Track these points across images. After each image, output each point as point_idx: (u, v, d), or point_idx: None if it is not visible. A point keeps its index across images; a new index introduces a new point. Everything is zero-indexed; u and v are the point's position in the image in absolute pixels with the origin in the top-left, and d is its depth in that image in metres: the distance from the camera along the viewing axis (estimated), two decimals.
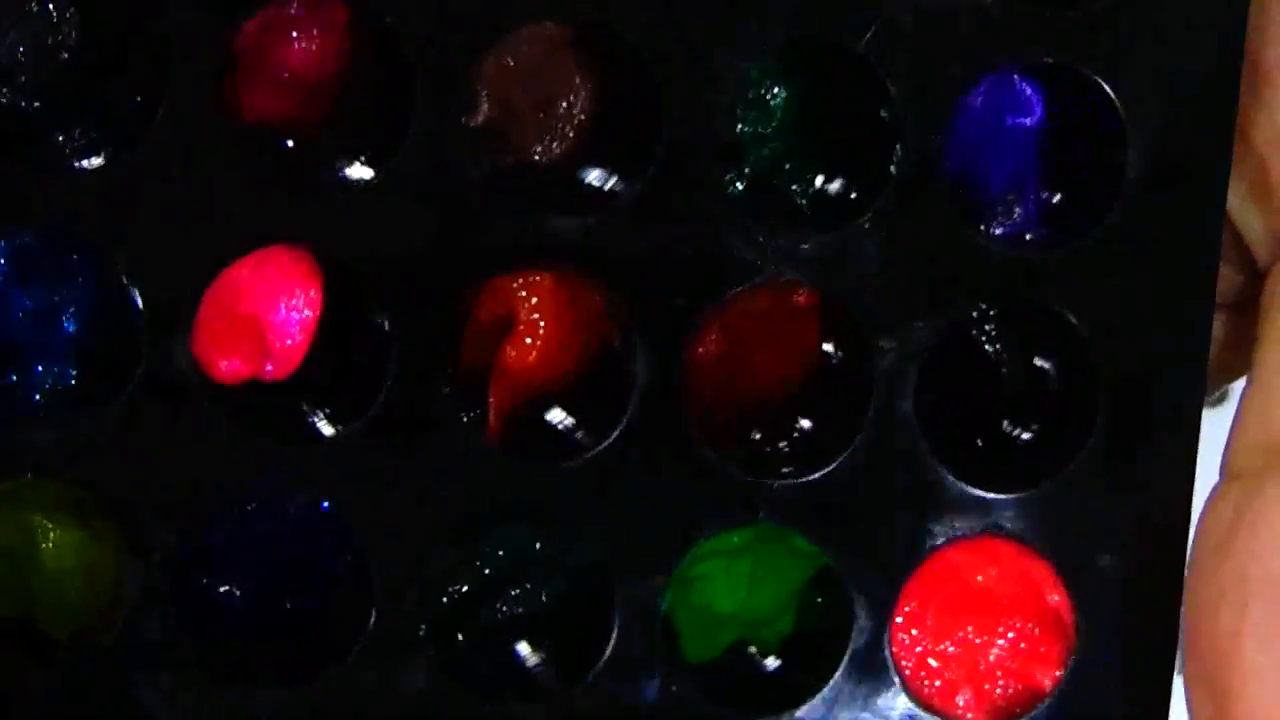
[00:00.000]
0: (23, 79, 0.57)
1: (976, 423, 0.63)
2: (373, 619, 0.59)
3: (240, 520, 0.59)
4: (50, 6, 0.57)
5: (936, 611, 0.62)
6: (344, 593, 0.60)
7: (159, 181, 0.58)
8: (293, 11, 0.59)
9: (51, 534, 0.58)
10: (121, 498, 0.58)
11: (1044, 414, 0.63)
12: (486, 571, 0.61)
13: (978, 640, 0.62)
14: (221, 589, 0.59)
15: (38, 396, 0.59)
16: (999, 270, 0.61)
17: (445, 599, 0.60)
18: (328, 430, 0.59)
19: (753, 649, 0.63)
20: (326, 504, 0.59)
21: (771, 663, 0.63)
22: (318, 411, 0.60)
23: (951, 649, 0.62)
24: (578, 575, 0.61)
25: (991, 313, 0.62)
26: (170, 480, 0.58)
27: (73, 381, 0.59)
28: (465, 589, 0.60)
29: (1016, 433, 0.63)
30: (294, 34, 0.59)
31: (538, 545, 0.61)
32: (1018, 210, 0.63)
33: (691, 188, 0.60)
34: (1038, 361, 0.63)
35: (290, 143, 0.60)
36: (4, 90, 0.57)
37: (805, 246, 0.60)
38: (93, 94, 0.58)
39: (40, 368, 0.59)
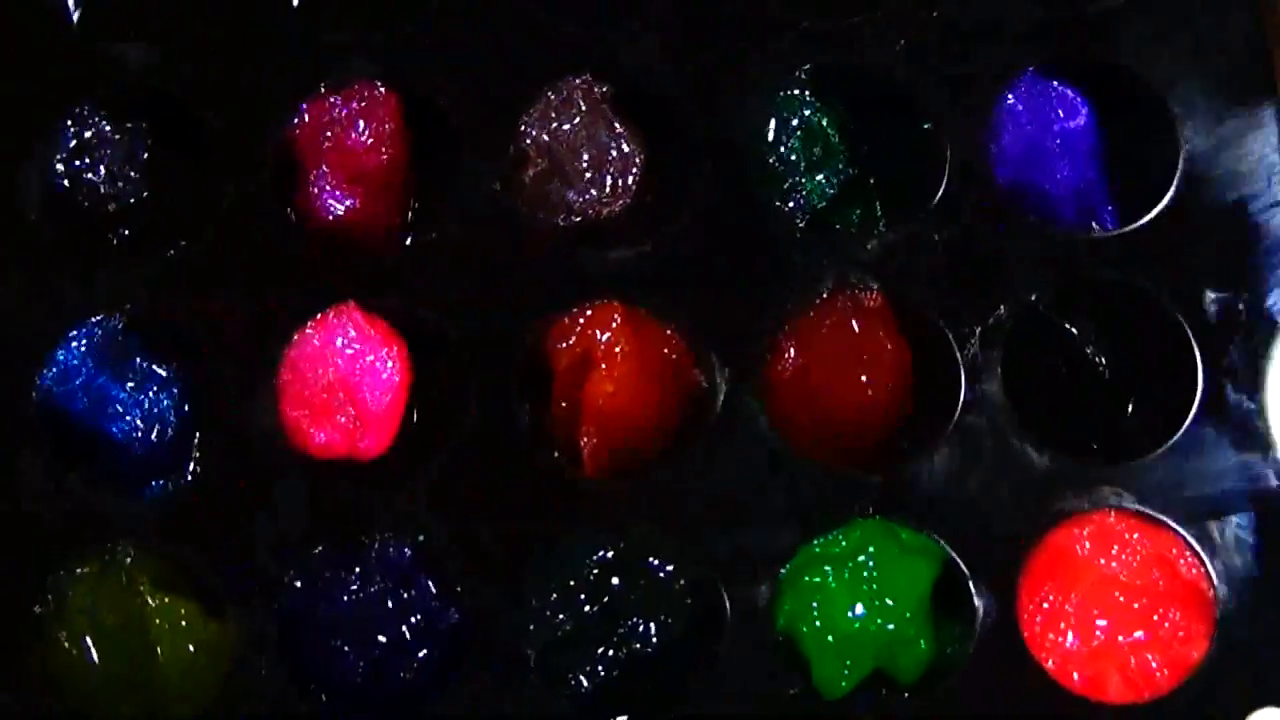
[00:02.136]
0: (102, 188, 0.61)
1: (1073, 399, 0.62)
2: (476, 657, 0.59)
3: (345, 578, 0.59)
4: (120, 132, 0.62)
5: (1077, 606, 0.59)
6: (448, 637, 0.59)
7: (231, 266, 0.61)
8: (348, 105, 0.62)
9: (163, 609, 0.58)
10: (221, 566, 0.59)
11: (1138, 384, 0.62)
12: (591, 604, 0.59)
13: (1121, 637, 0.59)
14: (337, 646, 0.59)
15: (146, 492, 0.61)
16: (1068, 250, 0.62)
17: (556, 631, 0.59)
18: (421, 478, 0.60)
19: (892, 680, 0.61)
20: (422, 542, 0.59)
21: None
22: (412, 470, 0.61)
23: (1096, 643, 0.59)
24: (688, 596, 0.60)
25: (1067, 293, 0.62)
26: (268, 544, 0.59)
27: (185, 481, 0.61)
28: (574, 618, 0.59)
29: (1114, 405, 0.62)
30: (353, 126, 0.62)
31: (642, 577, 0.59)
32: (1094, 223, 0.64)
33: (746, 212, 0.62)
34: (1121, 335, 0.62)
35: (368, 235, 0.63)
36: (86, 198, 0.61)
37: (869, 251, 0.62)
38: (165, 192, 0.62)
39: (148, 469, 0.61)
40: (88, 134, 0.62)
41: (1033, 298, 0.61)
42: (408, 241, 0.63)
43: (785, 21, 0.63)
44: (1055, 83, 0.64)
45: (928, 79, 0.62)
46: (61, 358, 0.60)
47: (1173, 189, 0.62)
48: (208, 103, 0.62)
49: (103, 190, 0.62)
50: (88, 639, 0.58)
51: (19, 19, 0.62)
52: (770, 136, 0.63)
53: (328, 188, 0.62)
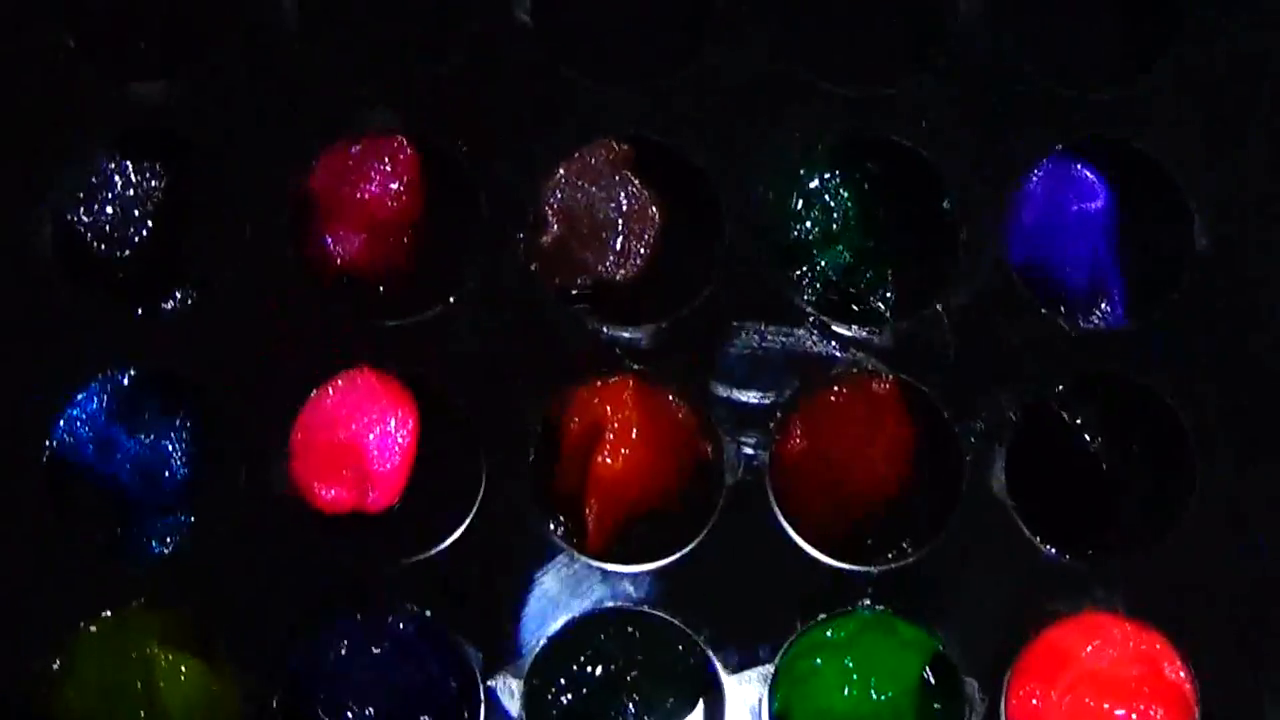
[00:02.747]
0: (114, 233, 0.61)
1: (1072, 495, 0.63)
2: None
3: (350, 642, 0.60)
4: (134, 174, 0.61)
5: (1060, 703, 0.60)
6: (455, 705, 0.61)
7: (244, 318, 0.60)
8: (363, 154, 0.61)
9: (171, 667, 0.59)
10: (229, 624, 0.60)
11: (1138, 483, 0.63)
12: (593, 681, 0.61)
13: None
14: (339, 708, 0.60)
15: (155, 547, 0.61)
16: (1076, 346, 0.62)
17: (554, 711, 0.61)
18: (428, 545, 0.60)
19: None
20: (428, 615, 0.60)
21: None
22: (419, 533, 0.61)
23: None
24: (686, 681, 0.61)
25: (1073, 388, 0.62)
26: (278, 605, 0.60)
27: (188, 529, 0.62)
28: (573, 699, 0.61)
29: (1113, 503, 0.63)
30: (370, 177, 0.61)
31: (641, 653, 0.61)
32: (1103, 304, 0.64)
33: (761, 289, 0.61)
34: (1124, 432, 0.63)
35: (381, 288, 0.63)
36: (98, 242, 0.61)
37: (880, 336, 0.61)
38: (178, 238, 0.62)
39: (158, 523, 0.61)
40: (101, 176, 0.61)
41: (1039, 392, 0.61)
42: (419, 295, 0.62)
43: (810, 91, 0.62)
44: (1077, 164, 0.64)
45: (950, 157, 0.62)
46: (72, 408, 0.60)
47: (1182, 287, 0.62)
48: (223, 147, 0.61)
49: (114, 234, 0.61)
50: (95, 695, 0.59)
51: (34, 59, 0.61)
52: (789, 206, 0.63)
53: (340, 236, 0.62)
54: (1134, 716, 0.61)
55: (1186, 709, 0.61)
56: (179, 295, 0.61)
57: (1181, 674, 0.61)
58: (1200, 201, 0.62)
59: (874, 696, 0.61)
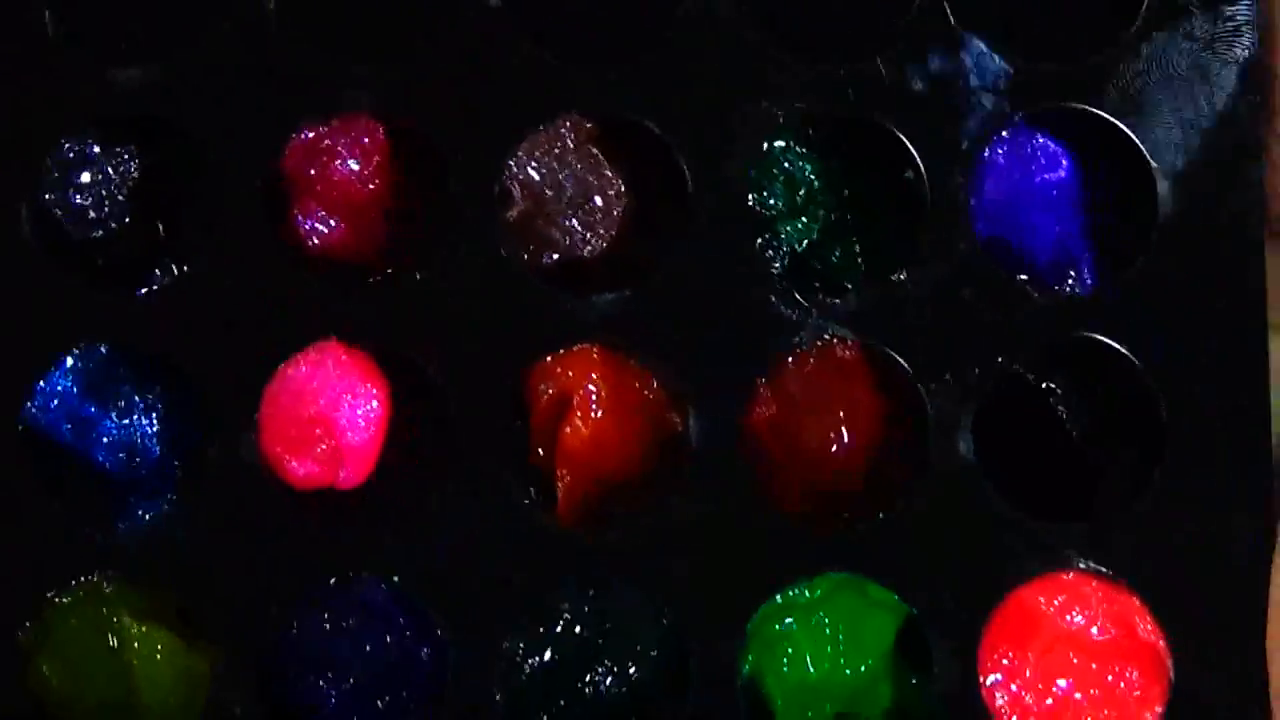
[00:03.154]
0: (90, 214, 0.62)
1: (1041, 460, 0.63)
2: (453, 695, 0.60)
3: (324, 614, 0.60)
4: (113, 149, 0.62)
5: (1035, 663, 0.61)
6: (422, 676, 0.61)
7: (217, 293, 0.61)
8: (333, 135, 0.62)
9: (145, 640, 0.59)
10: (202, 598, 0.60)
11: (1108, 446, 0.63)
12: (564, 646, 0.61)
13: (1078, 694, 0.61)
14: (313, 681, 0.60)
15: (130, 521, 0.62)
16: (1044, 312, 0.62)
17: (524, 675, 0.61)
18: (400, 517, 0.61)
19: None
20: (398, 582, 0.61)
21: None
22: (391, 507, 0.62)
23: (1051, 701, 0.61)
24: (656, 646, 0.61)
25: (1041, 353, 0.63)
26: (249, 577, 0.60)
27: (167, 511, 0.62)
28: (543, 663, 0.61)
29: (1082, 466, 0.63)
30: (341, 157, 0.62)
31: (611, 620, 0.61)
32: (1071, 272, 0.65)
33: (727, 259, 0.62)
34: (1093, 395, 0.63)
35: (348, 269, 0.63)
36: (74, 224, 0.62)
37: (846, 303, 0.62)
38: (152, 219, 0.63)
39: (134, 500, 0.62)
40: (74, 157, 0.62)
41: (1006, 357, 0.62)
42: (390, 273, 0.63)
43: (774, 67, 0.62)
44: (1038, 135, 0.64)
45: (911, 129, 0.62)
46: (46, 384, 0.61)
47: (1150, 252, 0.62)
48: (197, 129, 0.61)
49: (89, 216, 0.62)
50: (67, 668, 0.60)
51: (7, 42, 0.62)
52: (753, 180, 0.63)
53: (313, 217, 0.63)
54: (1109, 676, 0.61)
55: (1160, 668, 0.61)
56: (155, 276, 0.62)
57: (1154, 634, 0.61)
58: (1163, 165, 0.62)
59: (846, 659, 0.61)
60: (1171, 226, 0.62)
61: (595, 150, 0.63)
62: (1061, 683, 0.61)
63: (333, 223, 0.63)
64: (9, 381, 0.61)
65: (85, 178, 0.62)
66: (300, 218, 0.63)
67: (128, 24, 0.64)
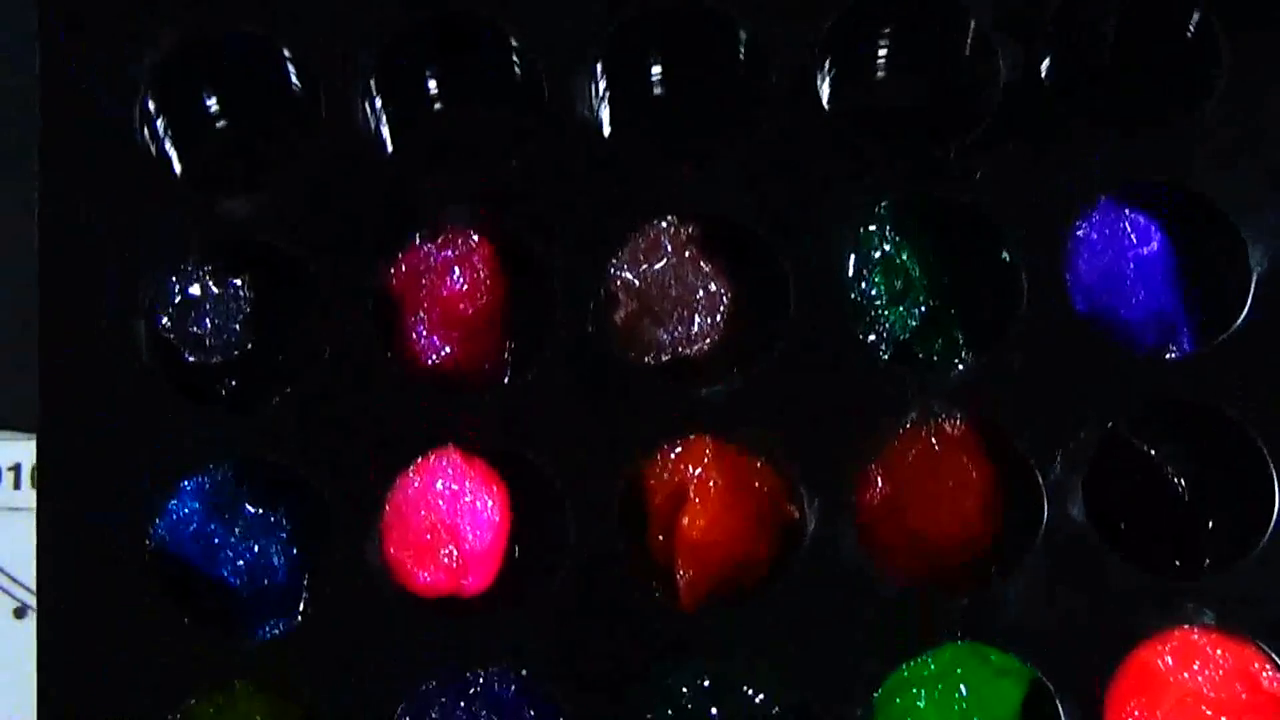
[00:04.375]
0: (209, 342, 0.64)
1: (1152, 519, 0.64)
2: None
3: (449, 710, 0.61)
4: (224, 276, 0.64)
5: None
6: None
7: (334, 410, 0.63)
8: (443, 252, 0.64)
9: None
10: (333, 703, 0.61)
11: (1217, 502, 0.64)
12: None
13: None
14: None
15: (261, 631, 0.63)
16: (1145, 376, 0.64)
17: None
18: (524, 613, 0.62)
19: None
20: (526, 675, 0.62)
21: None
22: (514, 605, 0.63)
23: None
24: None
25: (1144, 415, 0.64)
26: (376, 683, 0.61)
27: (296, 622, 0.63)
28: None
29: (1194, 523, 0.64)
30: (448, 273, 0.64)
31: (737, 700, 0.61)
32: (1171, 341, 0.66)
33: (831, 346, 0.64)
34: (1198, 454, 0.64)
35: (464, 383, 0.65)
36: (192, 351, 0.63)
37: (951, 381, 0.64)
38: (269, 342, 0.65)
39: (264, 614, 0.64)
40: (191, 290, 0.64)
41: (1111, 422, 0.63)
42: (505, 382, 0.65)
43: (865, 156, 0.65)
44: (1127, 209, 0.66)
45: (1005, 210, 0.64)
46: (173, 506, 0.62)
47: (1244, 312, 0.64)
48: (307, 252, 0.63)
49: (207, 343, 0.64)
50: None
51: (124, 174, 0.64)
52: (852, 271, 0.65)
53: (426, 334, 0.64)
54: None
55: None
56: (271, 394, 0.64)
57: (1276, 682, 0.62)
58: (1253, 229, 0.64)
59: None
60: (1265, 284, 0.64)
61: (696, 251, 0.65)
62: None
63: (446, 339, 0.64)
64: (138, 505, 0.62)
65: (200, 307, 0.64)
66: (414, 336, 0.64)
67: (235, 158, 0.67)
